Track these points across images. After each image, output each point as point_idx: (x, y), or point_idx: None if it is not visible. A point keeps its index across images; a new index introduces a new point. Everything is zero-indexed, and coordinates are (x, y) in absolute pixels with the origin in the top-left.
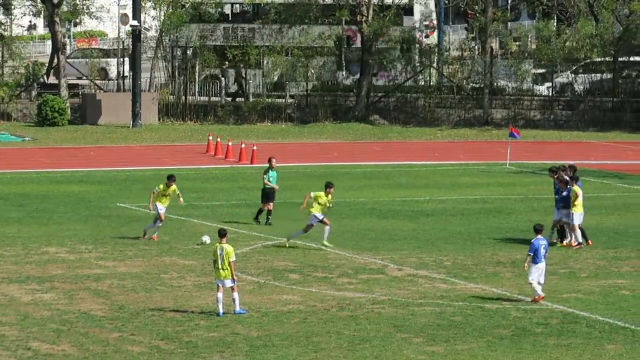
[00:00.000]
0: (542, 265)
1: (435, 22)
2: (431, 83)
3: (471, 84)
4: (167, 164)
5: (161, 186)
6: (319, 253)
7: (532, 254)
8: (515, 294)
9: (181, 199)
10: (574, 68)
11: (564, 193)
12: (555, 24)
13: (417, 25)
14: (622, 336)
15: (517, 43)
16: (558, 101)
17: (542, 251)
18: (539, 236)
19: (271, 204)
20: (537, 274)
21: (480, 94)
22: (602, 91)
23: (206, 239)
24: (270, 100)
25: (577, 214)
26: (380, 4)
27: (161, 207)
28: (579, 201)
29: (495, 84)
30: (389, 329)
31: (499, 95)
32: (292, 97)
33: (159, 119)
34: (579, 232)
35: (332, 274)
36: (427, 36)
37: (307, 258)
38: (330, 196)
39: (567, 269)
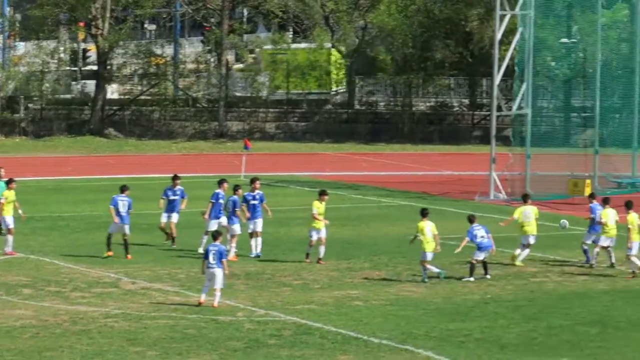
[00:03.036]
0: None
1: None
2: (166, 96)
3: (207, 97)
4: None
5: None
6: (51, 267)
7: None
8: (248, 305)
9: None
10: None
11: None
12: (291, 35)
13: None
14: (355, 346)
15: (253, 55)
16: (293, 113)
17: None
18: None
19: None
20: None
21: (215, 106)
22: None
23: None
24: (3, 114)
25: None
26: (116, 16)
27: None
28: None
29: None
30: (122, 343)
31: (234, 107)
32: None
33: None
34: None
35: (65, 288)
36: None
37: (40, 272)
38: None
39: (300, 280)
